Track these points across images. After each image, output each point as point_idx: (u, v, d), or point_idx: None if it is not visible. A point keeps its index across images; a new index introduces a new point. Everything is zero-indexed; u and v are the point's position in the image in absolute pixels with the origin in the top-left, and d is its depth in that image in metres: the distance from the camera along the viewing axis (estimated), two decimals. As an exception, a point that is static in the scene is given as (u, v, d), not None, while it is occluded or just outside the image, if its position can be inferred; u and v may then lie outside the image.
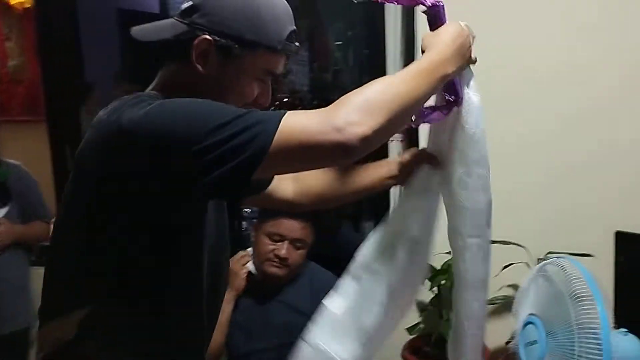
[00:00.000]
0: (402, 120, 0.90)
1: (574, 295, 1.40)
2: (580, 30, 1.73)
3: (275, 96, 2.49)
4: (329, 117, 0.82)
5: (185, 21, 0.97)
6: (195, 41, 0.96)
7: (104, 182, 0.89)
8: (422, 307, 1.92)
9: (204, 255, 1.03)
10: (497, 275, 1.50)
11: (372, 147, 0.85)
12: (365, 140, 0.82)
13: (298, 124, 0.83)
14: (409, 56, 1.92)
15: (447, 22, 1.02)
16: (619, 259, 1.53)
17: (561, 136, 1.77)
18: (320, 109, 0.85)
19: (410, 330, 1.90)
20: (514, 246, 1.63)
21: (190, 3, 0.98)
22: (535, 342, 1.39)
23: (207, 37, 0.95)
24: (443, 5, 1.01)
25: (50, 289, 1.01)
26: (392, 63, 1.96)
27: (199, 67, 0.97)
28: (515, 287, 1.55)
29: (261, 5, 0.98)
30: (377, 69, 2.01)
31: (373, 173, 1.26)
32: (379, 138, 0.85)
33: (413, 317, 1.93)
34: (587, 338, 1.25)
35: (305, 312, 1.56)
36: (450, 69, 0.95)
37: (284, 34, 0.99)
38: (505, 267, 1.62)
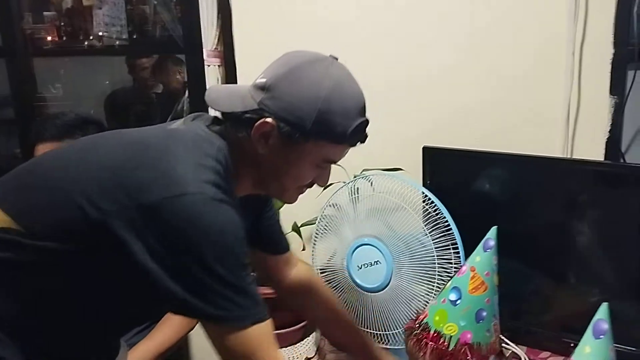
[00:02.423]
0: None
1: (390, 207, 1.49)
2: None
3: (90, 31, 2.29)
4: None
5: (255, 99, 0.97)
6: (258, 122, 0.95)
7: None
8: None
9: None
10: (319, 195, 1.52)
11: None
12: None
13: (261, 343, 0.91)
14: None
15: None
16: (426, 171, 1.64)
17: (371, 59, 1.81)
18: None
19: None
20: (334, 166, 1.67)
21: (264, 80, 0.97)
22: (377, 262, 1.46)
23: (271, 121, 0.95)
24: None
25: None
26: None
27: (259, 146, 0.97)
28: (335, 206, 1.59)
29: (333, 99, 0.96)
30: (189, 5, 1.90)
31: (354, 342, 1.33)
32: None
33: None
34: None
35: None
36: None
37: (350, 128, 0.98)
38: (325, 187, 1.65)
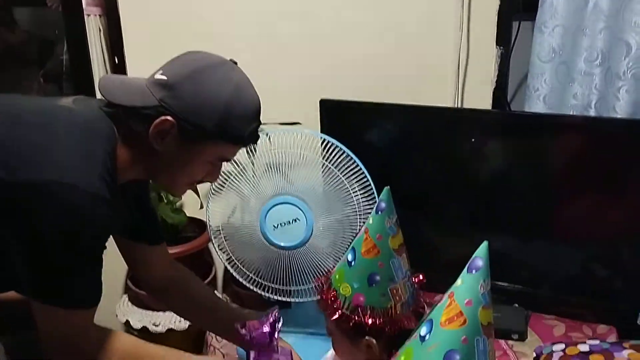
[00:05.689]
0: None
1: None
2: None
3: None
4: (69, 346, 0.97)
5: (155, 95, 0.95)
6: (158, 120, 0.95)
7: None
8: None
9: None
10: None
11: None
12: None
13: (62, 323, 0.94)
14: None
15: None
16: (324, 123, 1.64)
17: (264, 13, 1.76)
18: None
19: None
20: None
21: (165, 78, 0.96)
22: (296, 219, 1.45)
23: (171, 119, 0.95)
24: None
25: None
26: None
27: (154, 142, 0.97)
28: (233, 162, 1.55)
29: (234, 104, 0.97)
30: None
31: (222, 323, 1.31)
32: None
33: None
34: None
35: None
36: None
37: (247, 130, 1.01)
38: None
